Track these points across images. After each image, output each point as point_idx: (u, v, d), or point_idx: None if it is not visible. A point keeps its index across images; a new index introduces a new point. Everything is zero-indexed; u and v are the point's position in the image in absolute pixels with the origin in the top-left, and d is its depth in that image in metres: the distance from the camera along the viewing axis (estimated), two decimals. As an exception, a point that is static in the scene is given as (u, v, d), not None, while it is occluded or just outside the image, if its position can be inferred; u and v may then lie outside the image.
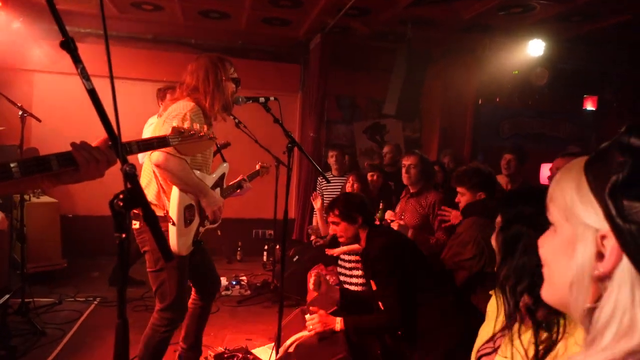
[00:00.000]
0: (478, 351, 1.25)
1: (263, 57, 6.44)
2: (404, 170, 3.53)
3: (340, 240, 2.70)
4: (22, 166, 1.14)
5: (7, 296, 3.52)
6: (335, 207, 2.57)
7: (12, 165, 1.13)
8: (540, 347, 0.79)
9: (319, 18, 5.22)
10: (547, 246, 0.66)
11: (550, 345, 0.78)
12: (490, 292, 1.46)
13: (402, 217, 3.49)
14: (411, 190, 3.58)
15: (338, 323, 2.44)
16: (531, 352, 0.82)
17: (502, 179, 3.99)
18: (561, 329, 0.80)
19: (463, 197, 2.86)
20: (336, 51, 5.94)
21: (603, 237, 0.56)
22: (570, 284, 0.60)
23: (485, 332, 1.34)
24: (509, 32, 5.38)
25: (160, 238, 1.10)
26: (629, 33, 5.27)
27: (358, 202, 2.60)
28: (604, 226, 0.56)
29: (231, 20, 5.53)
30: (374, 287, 2.56)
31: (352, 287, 3.41)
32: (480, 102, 6.80)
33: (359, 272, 3.43)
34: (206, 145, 1.82)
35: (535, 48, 5.39)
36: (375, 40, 6.04)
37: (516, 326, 0.97)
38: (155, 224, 1.08)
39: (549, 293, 0.65)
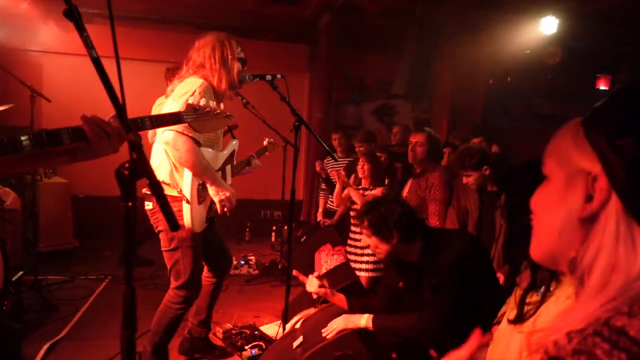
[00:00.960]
0: (497, 319, 1.27)
1: (270, 38, 6.38)
2: (410, 147, 3.39)
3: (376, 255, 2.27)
4: (34, 139, 1.14)
5: (20, 273, 3.60)
6: (366, 219, 2.13)
7: (22, 138, 1.12)
8: (528, 308, 0.80)
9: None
10: (538, 197, 0.69)
11: (538, 306, 0.79)
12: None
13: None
14: (416, 170, 3.44)
15: (364, 319, 2.16)
16: (513, 314, 0.84)
17: None
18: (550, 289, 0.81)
19: (470, 178, 2.89)
20: (345, 30, 5.87)
21: (594, 179, 0.59)
22: (559, 229, 0.63)
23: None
24: (521, 9, 5.25)
25: (165, 206, 1.10)
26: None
27: (393, 215, 2.07)
28: (596, 168, 0.59)
29: (238, -1, 5.47)
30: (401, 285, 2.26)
31: (362, 272, 3.40)
32: (491, 82, 6.71)
33: (367, 258, 3.39)
34: (221, 123, 1.80)
35: (548, 25, 5.26)
36: (385, 19, 5.94)
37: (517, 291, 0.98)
38: (160, 192, 1.09)
39: (536, 247, 0.68)
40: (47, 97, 3.84)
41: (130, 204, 1.06)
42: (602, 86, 6.61)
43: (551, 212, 0.65)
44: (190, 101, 1.63)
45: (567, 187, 0.63)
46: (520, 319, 0.82)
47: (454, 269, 1.98)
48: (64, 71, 5.66)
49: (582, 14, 5.31)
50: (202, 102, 1.64)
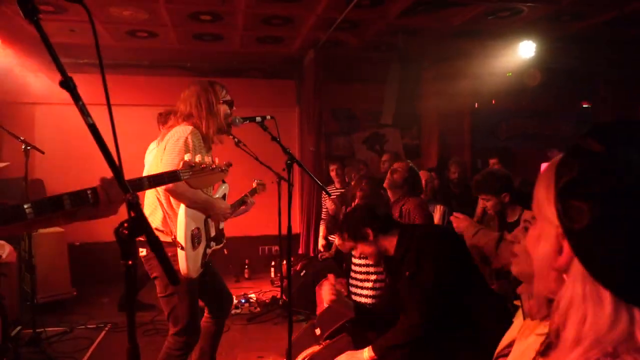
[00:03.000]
0: (497, 354, 1.27)
1: (258, 75, 6.53)
2: (389, 173, 3.36)
3: (371, 261, 2.53)
4: (36, 207, 1.16)
5: (18, 328, 3.55)
6: (344, 232, 2.37)
7: (25, 207, 1.15)
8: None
9: (311, 33, 5.31)
10: (529, 236, 0.70)
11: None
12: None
13: None
14: (391, 198, 3.40)
15: (366, 352, 2.24)
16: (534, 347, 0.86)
17: None
18: None
19: (489, 203, 2.91)
20: (330, 65, 6.02)
21: (562, 235, 0.59)
22: (537, 272, 0.64)
23: (509, 335, 1.36)
24: (499, 36, 5.44)
25: (166, 263, 1.13)
26: (619, 30, 5.32)
27: (359, 215, 2.36)
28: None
29: (225, 41, 5.62)
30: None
31: (363, 299, 3.39)
32: (476, 105, 6.86)
33: (370, 284, 3.40)
34: (217, 178, 1.85)
35: (526, 50, 5.44)
36: (368, 52, 6.12)
37: (527, 321, 1.00)
38: (160, 249, 1.12)
39: (518, 268, 0.69)
40: (40, 148, 3.88)
41: (130, 262, 1.09)
42: (584, 104, 6.78)
43: (533, 254, 0.66)
44: (186, 158, 1.68)
45: (542, 234, 0.63)
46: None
47: (427, 257, 2.11)
48: (56, 121, 5.73)
49: (558, 36, 5.50)
50: (197, 159, 1.68)
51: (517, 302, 1.41)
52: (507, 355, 1.21)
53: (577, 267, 0.57)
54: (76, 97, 1.06)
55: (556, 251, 0.60)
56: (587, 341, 0.55)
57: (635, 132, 0.58)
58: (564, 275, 0.60)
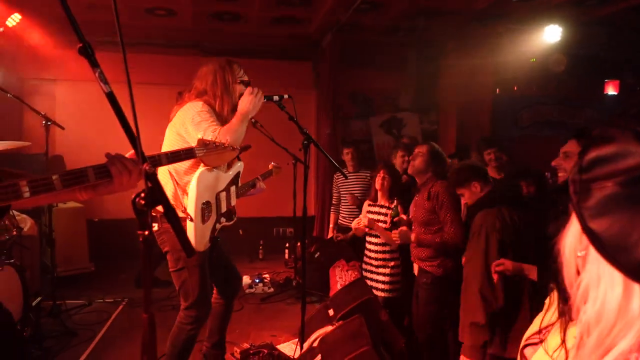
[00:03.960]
0: (525, 340, 1.25)
1: (275, 57, 6.47)
2: (411, 157, 3.27)
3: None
4: (63, 179, 1.20)
5: (39, 299, 3.65)
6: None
7: (53, 177, 1.19)
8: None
9: (330, 15, 5.22)
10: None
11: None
12: (551, 285, 1.44)
13: (409, 216, 3.27)
14: (418, 183, 3.27)
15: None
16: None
17: (494, 174, 3.92)
18: None
19: (464, 197, 2.85)
20: (348, 48, 5.94)
21: None
22: (565, 264, 0.64)
23: (537, 322, 1.33)
24: (524, 19, 5.28)
25: (182, 233, 1.13)
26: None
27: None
28: None
29: (241, 21, 5.58)
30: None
31: (379, 285, 3.37)
32: (497, 91, 6.71)
33: (387, 270, 3.36)
34: (230, 156, 1.86)
35: (552, 34, 5.27)
36: (387, 36, 6.01)
37: (563, 320, 0.97)
38: (176, 219, 1.12)
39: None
40: (61, 124, 3.92)
41: (147, 232, 1.09)
42: (611, 91, 6.57)
43: (565, 240, 0.66)
44: (199, 136, 1.68)
45: (571, 221, 0.63)
46: None
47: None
48: (76, 98, 5.79)
49: (585, 21, 5.33)
50: (211, 137, 1.68)
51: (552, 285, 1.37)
52: (536, 343, 1.17)
53: (592, 248, 0.58)
54: (94, 64, 1.06)
55: (579, 236, 0.61)
56: (606, 323, 0.55)
57: None
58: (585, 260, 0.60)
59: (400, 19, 5.33)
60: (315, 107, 6.58)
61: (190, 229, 2.34)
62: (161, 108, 4.79)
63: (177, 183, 2.41)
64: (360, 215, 3.68)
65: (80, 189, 1.27)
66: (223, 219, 2.61)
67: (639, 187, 0.54)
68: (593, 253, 0.58)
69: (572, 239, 0.63)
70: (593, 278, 0.57)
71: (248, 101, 2.45)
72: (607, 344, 0.55)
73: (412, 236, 3.05)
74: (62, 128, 3.89)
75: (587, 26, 5.45)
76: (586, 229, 0.57)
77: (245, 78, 2.62)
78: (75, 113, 5.68)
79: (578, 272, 0.63)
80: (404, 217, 3.23)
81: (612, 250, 0.55)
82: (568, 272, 0.64)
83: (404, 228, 3.12)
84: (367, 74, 6.58)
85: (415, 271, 3.13)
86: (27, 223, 3.98)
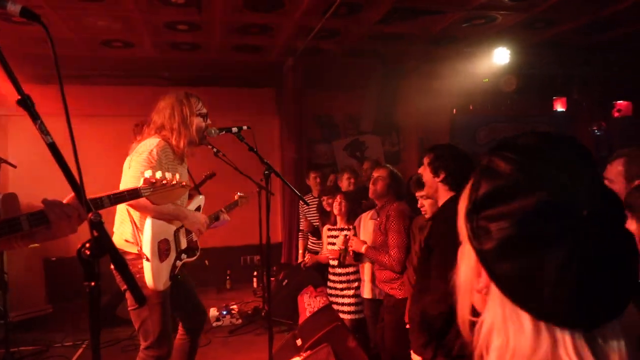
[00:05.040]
0: None
1: (237, 84, 6.49)
2: (371, 182, 3.26)
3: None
4: None
5: (-10, 348, 3.43)
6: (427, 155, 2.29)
7: None
8: None
9: (289, 42, 5.32)
10: (459, 254, 0.67)
11: None
12: None
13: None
14: (377, 205, 3.30)
15: None
16: None
17: None
18: None
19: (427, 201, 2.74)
20: (310, 71, 6.03)
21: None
22: (461, 294, 0.62)
23: None
24: (475, 42, 5.53)
25: (131, 281, 1.10)
26: (590, 35, 5.46)
27: (446, 151, 2.24)
28: None
29: (202, 50, 5.60)
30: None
31: (344, 309, 3.38)
32: (455, 111, 6.94)
33: (351, 292, 3.40)
34: (179, 194, 1.83)
35: (500, 56, 5.54)
36: (349, 58, 6.15)
37: None
38: (124, 268, 1.09)
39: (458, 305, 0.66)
40: (12, 162, 3.79)
41: (93, 283, 1.06)
42: (560, 107, 6.91)
43: (458, 276, 0.64)
44: (147, 175, 1.66)
45: (464, 255, 0.61)
46: None
47: (445, 231, 2.01)
48: (29, 133, 5.58)
49: (532, 42, 5.62)
50: (158, 175, 1.66)
51: None
52: None
53: (495, 289, 0.55)
54: (34, 116, 1.04)
55: (476, 273, 0.58)
56: None
57: (542, 147, 0.56)
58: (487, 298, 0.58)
59: (360, 43, 5.47)
60: (278, 133, 6.61)
61: (147, 268, 2.28)
62: (121, 140, 4.72)
63: (134, 222, 2.35)
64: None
65: (15, 238, 1.21)
66: (184, 256, 2.56)
67: (535, 226, 0.52)
68: (496, 293, 0.55)
69: (468, 273, 0.60)
70: (498, 319, 0.55)
71: (195, 226, 2.55)
72: None
73: (363, 247, 3.09)
74: (14, 167, 3.76)
75: (534, 47, 5.75)
76: (492, 275, 0.55)
77: (204, 110, 2.61)
78: (30, 149, 5.49)
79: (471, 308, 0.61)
80: (350, 254, 3.26)
81: (520, 294, 0.53)
82: (462, 308, 0.61)
83: (354, 239, 3.19)
84: (331, 96, 6.67)
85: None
86: (-24, 267, 3.78)
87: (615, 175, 1.97)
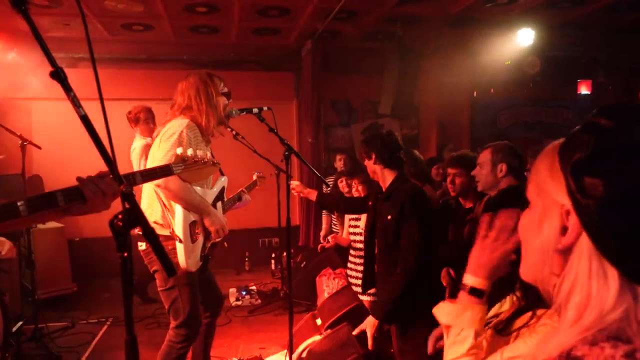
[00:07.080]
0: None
1: (256, 68, 6.49)
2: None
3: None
4: (29, 204, 1.15)
5: (20, 323, 3.56)
6: (363, 146, 2.56)
7: (19, 204, 1.14)
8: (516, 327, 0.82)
9: (308, 24, 5.27)
10: (522, 223, 0.69)
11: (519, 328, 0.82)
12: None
13: None
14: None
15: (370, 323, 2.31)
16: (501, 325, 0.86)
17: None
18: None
19: (459, 178, 2.85)
20: (328, 55, 5.98)
21: (567, 212, 0.59)
22: (538, 257, 0.64)
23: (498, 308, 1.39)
24: (497, 23, 5.40)
25: (162, 254, 1.12)
26: (616, 16, 5.28)
27: (373, 138, 2.50)
28: (569, 202, 0.59)
29: (221, 33, 5.59)
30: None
31: (364, 295, 3.38)
32: (475, 94, 6.82)
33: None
34: (209, 171, 1.83)
35: (524, 37, 5.39)
36: (366, 42, 6.08)
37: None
38: (155, 239, 1.11)
39: (523, 269, 0.68)
40: (37, 143, 3.86)
41: (126, 254, 1.08)
42: (584, 90, 6.74)
43: (531, 239, 0.65)
44: (178, 152, 1.66)
45: (543, 216, 0.63)
46: (505, 332, 0.85)
47: (412, 212, 2.30)
48: (53, 117, 5.70)
49: (557, 23, 5.46)
50: (190, 152, 1.67)
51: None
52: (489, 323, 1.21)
53: (583, 244, 0.57)
54: (67, 88, 1.05)
55: (560, 231, 0.60)
56: (588, 321, 0.54)
57: None
58: (569, 257, 0.59)
59: (378, 25, 5.40)
60: (296, 117, 6.60)
61: (180, 250, 2.31)
62: (141, 123, 4.77)
63: (163, 204, 2.38)
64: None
65: (49, 212, 1.24)
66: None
67: (631, 184, 0.54)
68: (584, 250, 0.57)
69: (551, 232, 0.61)
70: (582, 277, 0.57)
71: (212, 223, 2.46)
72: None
73: None
74: (39, 147, 3.83)
75: (559, 28, 5.59)
76: (594, 231, 0.56)
77: (226, 89, 2.61)
78: (53, 132, 5.59)
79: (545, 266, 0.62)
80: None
81: (619, 252, 0.54)
82: (546, 268, 0.63)
83: None
84: (349, 80, 6.63)
85: None
86: (4, 246, 3.89)
87: (484, 160, 2.37)
